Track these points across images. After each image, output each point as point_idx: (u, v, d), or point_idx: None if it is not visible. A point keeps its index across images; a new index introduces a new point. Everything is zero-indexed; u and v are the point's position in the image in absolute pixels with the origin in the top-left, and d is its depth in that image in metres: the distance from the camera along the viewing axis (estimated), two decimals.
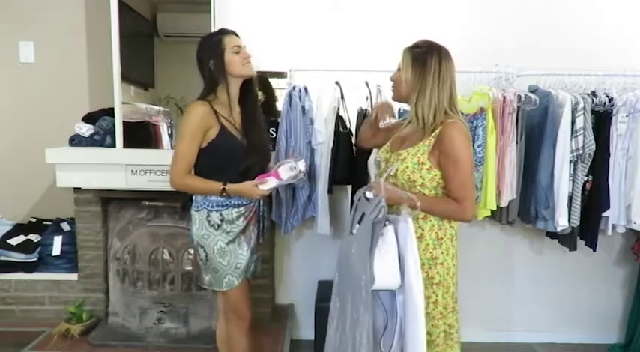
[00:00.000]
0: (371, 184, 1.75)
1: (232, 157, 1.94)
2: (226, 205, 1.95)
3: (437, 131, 1.73)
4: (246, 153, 1.95)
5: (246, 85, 2.02)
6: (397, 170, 1.75)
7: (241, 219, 1.98)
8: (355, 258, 1.65)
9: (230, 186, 1.91)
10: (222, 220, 1.95)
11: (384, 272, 1.60)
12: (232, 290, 1.99)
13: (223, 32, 1.99)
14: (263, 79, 2.45)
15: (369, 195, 1.67)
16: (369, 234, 1.60)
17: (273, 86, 2.81)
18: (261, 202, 2.06)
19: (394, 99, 1.94)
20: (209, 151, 1.93)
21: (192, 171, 1.97)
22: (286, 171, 1.96)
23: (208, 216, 1.95)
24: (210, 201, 1.94)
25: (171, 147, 2.91)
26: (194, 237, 1.98)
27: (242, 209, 1.98)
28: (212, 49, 1.95)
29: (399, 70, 1.87)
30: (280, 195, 2.54)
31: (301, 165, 1.99)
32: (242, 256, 1.99)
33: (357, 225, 1.68)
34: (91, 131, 2.71)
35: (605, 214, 2.56)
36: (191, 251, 2.59)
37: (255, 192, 1.93)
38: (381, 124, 2.00)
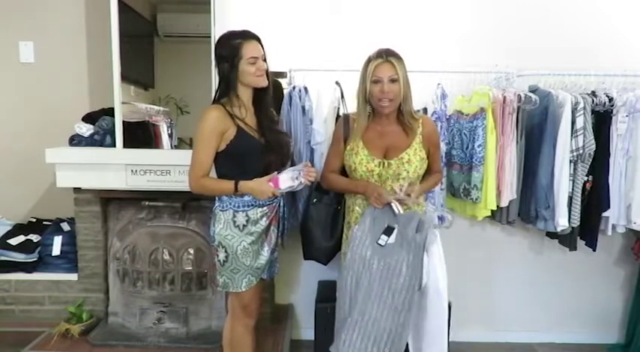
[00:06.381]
0: (400, 199, 1.88)
1: (251, 157, 1.94)
2: (252, 205, 1.96)
3: (420, 128, 2.01)
4: (265, 151, 1.94)
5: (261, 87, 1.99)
6: (409, 172, 1.97)
7: (264, 219, 1.99)
8: (400, 268, 1.80)
9: (243, 183, 1.90)
10: (247, 220, 1.95)
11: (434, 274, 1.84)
12: (247, 290, 2.00)
13: (245, 36, 1.91)
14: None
15: (396, 209, 1.84)
16: (419, 252, 1.79)
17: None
18: (282, 203, 2.07)
19: (389, 111, 1.98)
20: (229, 153, 1.92)
21: (215, 175, 1.97)
22: (287, 180, 1.93)
23: (234, 216, 1.95)
24: (237, 201, 1.95)
25: (171, 147, 2.92)
26: (215, 237, 1.97)
27: (265, 209, 1.98)
28: (230, 52, 1.89)
29: (393, 81, 1.90)
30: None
31: (303, 178, 1.94)
32: (263, 256, 2.00)
33: (385, 237, 1.82)
34: (91, 131, 2.71)
35: (605, 214, 2.56)
36: (191, 251, 2.60)
37: (267, 187, 1.90)
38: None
